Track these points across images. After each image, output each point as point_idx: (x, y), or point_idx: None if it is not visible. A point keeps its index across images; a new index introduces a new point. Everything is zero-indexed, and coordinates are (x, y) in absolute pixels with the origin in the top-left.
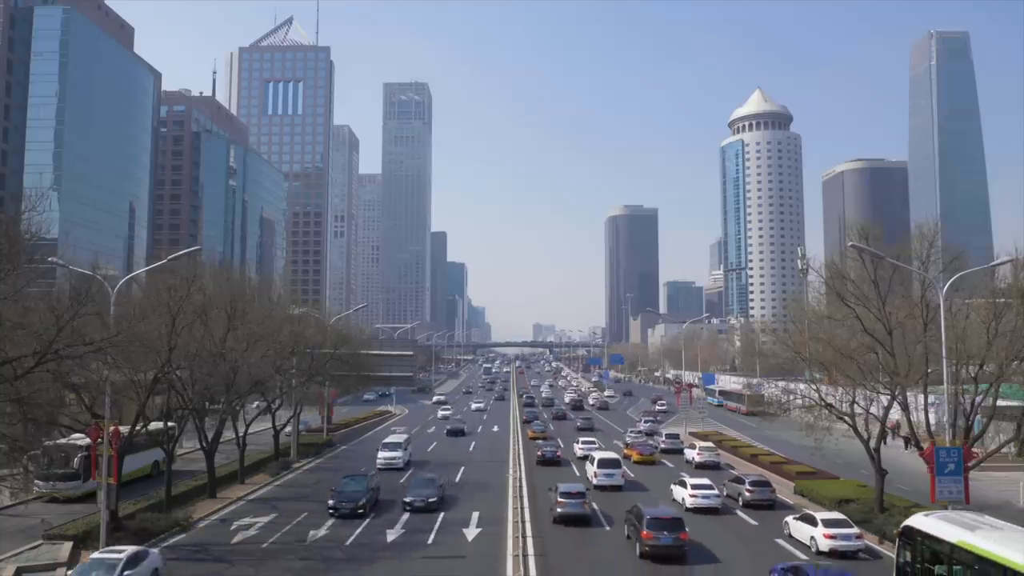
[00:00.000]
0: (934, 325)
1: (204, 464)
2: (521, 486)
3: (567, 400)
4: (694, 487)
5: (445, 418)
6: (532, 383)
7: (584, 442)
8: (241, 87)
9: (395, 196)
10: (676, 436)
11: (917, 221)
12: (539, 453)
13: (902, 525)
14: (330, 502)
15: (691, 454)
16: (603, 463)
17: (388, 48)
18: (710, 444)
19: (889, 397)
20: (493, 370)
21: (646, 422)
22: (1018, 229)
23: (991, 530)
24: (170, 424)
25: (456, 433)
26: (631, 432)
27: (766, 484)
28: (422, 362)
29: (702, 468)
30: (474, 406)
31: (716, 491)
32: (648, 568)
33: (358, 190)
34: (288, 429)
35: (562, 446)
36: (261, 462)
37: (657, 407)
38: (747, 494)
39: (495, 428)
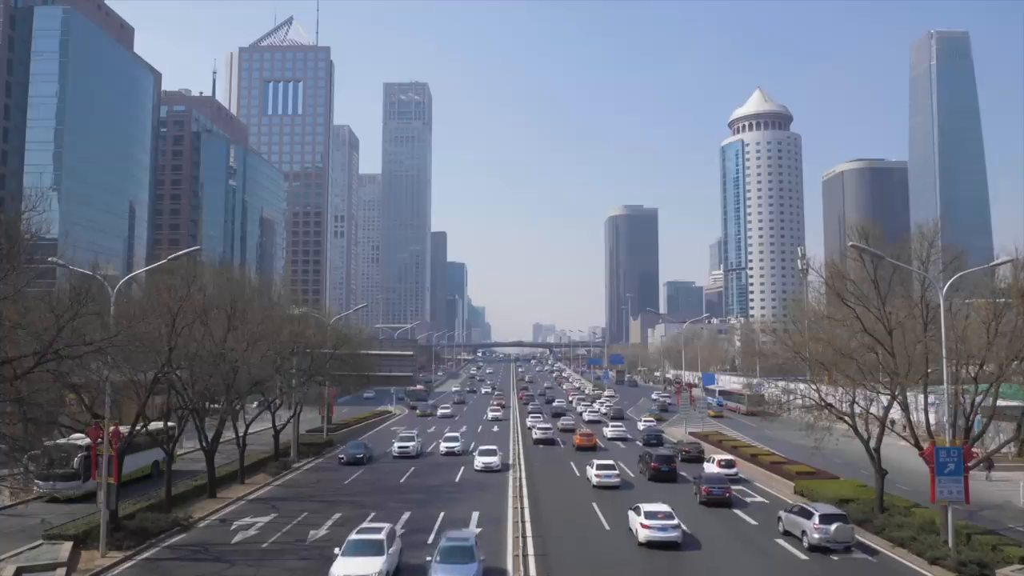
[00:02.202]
0: (934, 325)
1: (204, 464)
2: (521, 486)
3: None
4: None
5: (402, 451)
6: (528, 378)
7: (563, 420)
8: (241, 87)
9: (395, 196)
10: (652, 421)
11: (917, 221)
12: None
13: None
14: None
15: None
16: (564, 424)
17: (388, 48)
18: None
19: (889, 397)
20: (484, 381)
21: (645, 422)
22: (1018, 229)
23: None
24: (170, 424)
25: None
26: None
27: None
28: (422, 362)
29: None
30: (444, 448)
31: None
32: (575, 452)
33: (358, 190)
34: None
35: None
36: (261, 462)
37: (659, 397)
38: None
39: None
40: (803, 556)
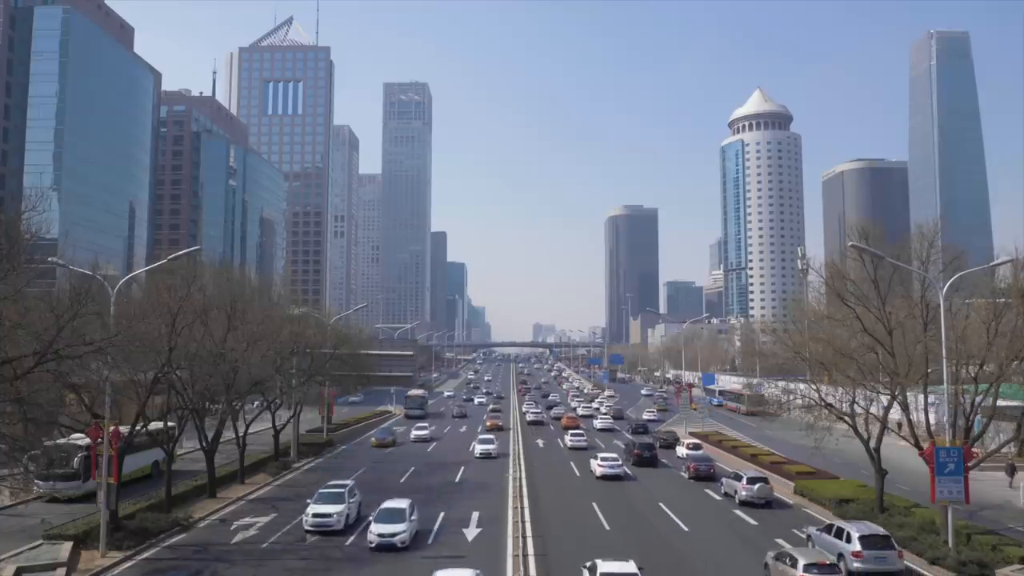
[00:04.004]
0: (934, 325)
1: (204, 464)
2: (521, 486)
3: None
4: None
5: None
6: (527, 371)
7: (555, 410)
8: (241, 87)
9: (395, 196)
10: (656, 413)
11: (917, 221)
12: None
13: None
14: None
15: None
16: (556, 413)
17: (388, 48)
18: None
19: (889, 397)
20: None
21: (648, 412)
22: (1018, 229)
23: None
24: (170, 424)
25: None
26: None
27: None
28: (422, 362)
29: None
30: (375, 535)
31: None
32: (562, 430)
33: (358, 190)
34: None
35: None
36: (261, 462)
37: (648, 392)
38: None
39: None
40: (735, 509)
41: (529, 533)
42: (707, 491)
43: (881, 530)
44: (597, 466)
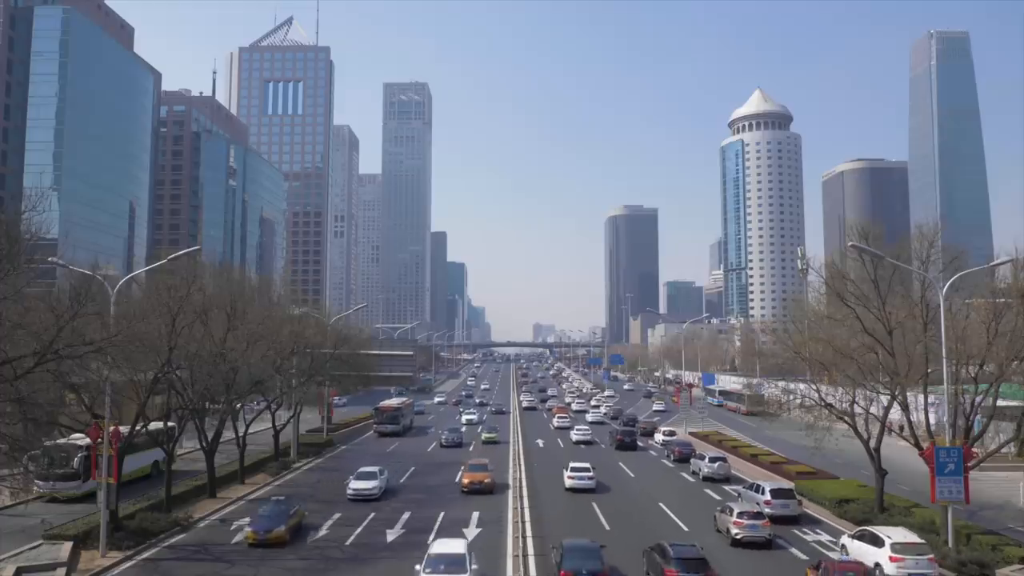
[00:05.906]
0: (934, 325)
1: (204, 464)
2: (521, 484)
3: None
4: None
5: None
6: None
7: (550, 402)
8: (241, 87)
9: (395, 196)
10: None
11: (917, 221)
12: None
13: None
14: None
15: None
16: (550, 404)
17: (388, 48)
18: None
19: (889, 397)
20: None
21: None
22: (1018, 229)
23: None
24: (170, 424)
25: None
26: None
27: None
28: (422, 362)
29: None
30: None
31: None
32: (552, 416)
33: (358, 190)
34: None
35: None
36: (261, 462)
37: (632, 387)
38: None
39: None
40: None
41: (529, 533)
42: (685, 476)
43: (786, 484)
44: (573, 434)
